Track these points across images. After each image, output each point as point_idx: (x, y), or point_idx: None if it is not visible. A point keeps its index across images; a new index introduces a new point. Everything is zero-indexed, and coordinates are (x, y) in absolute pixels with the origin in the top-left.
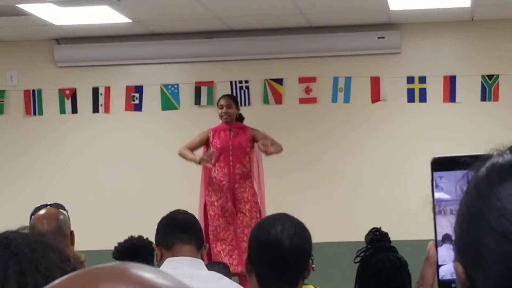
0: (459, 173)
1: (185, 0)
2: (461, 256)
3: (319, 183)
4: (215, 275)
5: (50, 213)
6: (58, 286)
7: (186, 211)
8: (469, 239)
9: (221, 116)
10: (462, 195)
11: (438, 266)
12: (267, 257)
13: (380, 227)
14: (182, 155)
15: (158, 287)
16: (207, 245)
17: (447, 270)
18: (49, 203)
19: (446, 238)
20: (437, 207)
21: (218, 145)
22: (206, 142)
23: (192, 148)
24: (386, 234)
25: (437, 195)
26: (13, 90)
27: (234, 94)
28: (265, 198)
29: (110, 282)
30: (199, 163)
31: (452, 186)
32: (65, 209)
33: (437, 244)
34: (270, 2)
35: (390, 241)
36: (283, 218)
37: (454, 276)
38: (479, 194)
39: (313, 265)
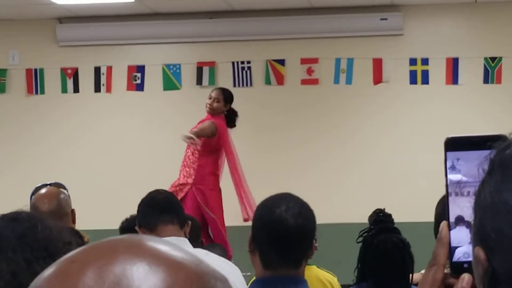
0: (475, 154)
1: None
2: (482, 242)
3: (320, 164)
4: (202, 252)
5: (51, 192)
6: (72, 258)
7: (166, 191)
8: (491, 225)
9: (206, 106)
10: (485, 176)
11: (451, 247)
12: (271, 236)
13: (384, 208)
14: None
15: (172, 259)
16: (190, 222)
17: (461, 251)
18: (48, 182)
19: (460, 220)
20: (454, 189)
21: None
22: None
23: None
24: (390, 215)
25: (455, 177)
26: (15, 69)
27: (236, 74)
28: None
29: (125, 253)
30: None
31: (470, 168)
32: (65, 188)
33: (449, 225)
34: None
35: (393, 223)
36: (287, 198)
37: (467, 257)
38: (503, 178)
39: (316, 245)
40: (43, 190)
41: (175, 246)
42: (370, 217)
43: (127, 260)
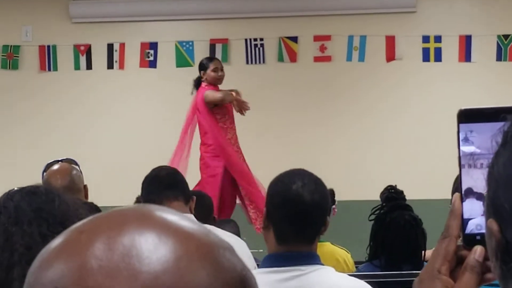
0: (488, 126)
1: None
2: (495, 214)
3: (333, 142)
4: (210, 228)
5: (63, 168)
6: (81, 228)
7: (169, 167)
8: (505, 196)
9: (218, 79)
10: (498, 148)
11: (463, 219)
12: (288, 212)
13: (396, 185)
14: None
15: (182, 229)
16: (195, 197)
17: (474, 223)
18: (60, 159)
19: (473, 192)
20: (467, 161)
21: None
22: None
23: None
24: (402, 192)
25: (468, 148)
26: (27, 46)
27: (249, 51)
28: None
29: (134, 224)
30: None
31: (483, 140)
32: (77, 164)
33: (462, 198)
34: None
35: (405, 200)
36: (302, 174)
37: (479, 229)
38: None
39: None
40: (55, 166)
41: (184, 216)
42: (382, 194)
43: (137, 230)
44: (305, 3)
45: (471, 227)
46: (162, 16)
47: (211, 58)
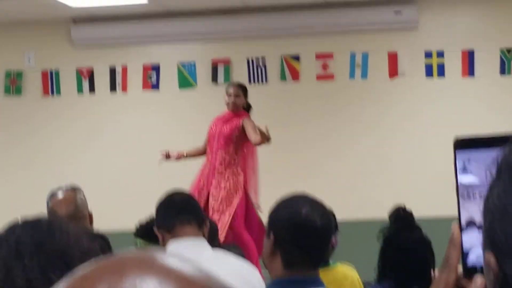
0: (485, 154)
1: None
2: (492, 247)
3: (337, 160)
4: (221, 253)
5: (68, 196)
6: (84, 275)
7: (183, 191)
8: (500, 230)
9: (227, 104)
10: (492, 181)
11: (463, 250)
12: (298, 237)
13: (404, 205)
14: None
15: (183, 274)
16: (208, 221)
17: (474, 254)
18: (64, 184)
19: (472, 222)
20: (465, 191)
21: (211, 132)
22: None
23: (202, 148)
24: (410, 212)
25: (466, 178)
26: (30, 71)
27: (251, 71)
28: (260, 190)
29: (135, 270)
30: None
31: (481, 169)
32: (80, 190)
33: (461, 227)
34: None
35: (414, 220)
36: (307, 198)
37: (480, 260)
38: (511, 180)
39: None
40: (60, 195)
41: (185, 260)
42: (391, 214)
43: (138, 276)
44: (306, 21)
45: (472, 259)
46: (163, 37)
47: (232, 83)
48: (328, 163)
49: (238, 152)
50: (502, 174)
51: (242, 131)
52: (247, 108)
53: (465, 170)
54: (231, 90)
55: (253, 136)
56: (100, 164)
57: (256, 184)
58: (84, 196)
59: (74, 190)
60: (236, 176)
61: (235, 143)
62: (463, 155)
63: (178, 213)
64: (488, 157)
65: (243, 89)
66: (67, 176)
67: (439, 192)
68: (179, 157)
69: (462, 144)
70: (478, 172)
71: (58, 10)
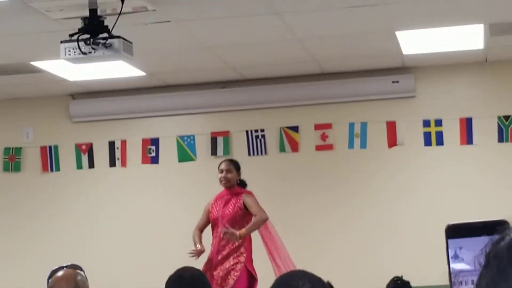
0: (477, 241)
1: (198, 51)
2: None
3: (338, 232)
4: None
5: (68, 274)
6: None
7: (194, 268)
8: None
9: (220, 181)
10: (481, 269)
11: None
12: None
13: (402, 276)
14: (192, 237)
15: None
16: None
17: None
18: (65, 264)
19: None
20: (458, 278)
21: (213, 216)
22: (208, 216)
23: (203, 227)
24: (408, 282)
25: (458, 266)
26: (29, 147)
27: (250, 143)
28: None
29: None
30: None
31: (472, 255)
32: (82, 270)
33: None
34: (283, 51)
35: None
36: (306, 275)
37: None
38: (499, 271)
39: None
40: (60, 273)
41: None
42: (388, 285)
43: None
44: (304, 93)
45: None
46: (162, 111)
47: (224, 159)
48: (329, 234)
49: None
50: (491, 263)
51: (245, 209)
52: (242, 184)
53: (457, 257)
54: (223, 166)
55: (259, 214)
56: (100, 239)
57: (284, 252)
58: (84, 274)
59: (74, 269)
60: (239, 257)
61: (240, 223)
62: (454, 243)
63: None
64: (482, 242)
65: (234, 165)
66: (68, 252)
67: (442, 260)
68: (202, 250)
69: (454, 232)
70: (470, 258)
71: (56, 86)
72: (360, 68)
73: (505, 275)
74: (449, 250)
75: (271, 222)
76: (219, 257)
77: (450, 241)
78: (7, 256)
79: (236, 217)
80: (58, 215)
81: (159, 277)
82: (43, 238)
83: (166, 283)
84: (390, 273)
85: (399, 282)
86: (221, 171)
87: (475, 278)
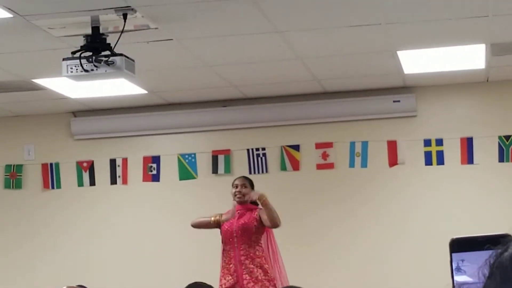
0: (479, 254)
1: (199, 70)
2: None
3: (338, 250)
4: None
5: None
6: None
7: (205, 284)
8: None
9: (234, 195)
10: (485, 280)
11: None
12: None
13: None
14: (194, 224)
15: None
16: None
17: None
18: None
19: None
20: None
21: (225, 228)
22: (218, 225)
23: (204, 222)
24: None
25: (460, 278)
26: (30, 164)
27: (251, 161)
28: (285, 269)
29: None
30: (216, 221)
31: (475, 269)
32: None
33: None
34: (284, 70)
35: None
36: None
37: None
38: (502, 279)
39: None
40: None
41: None
42: None
43: None
44: (305, 112)
45: None
46: (163, 129)
47: (239, 176)
48: (329, 253)
49: (259, 242)
50: (494, 273)
51: (260, 223)
52: (255, 202)
53: (459, 270)
54: (238, 182)
55: (277, 216)
56: (101, 257)
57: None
58: None
59: None
60: (263, 267)
61: (255, 235)
62: (457, 256)
63: None
64: (482, 258)
65: (249, 181)
66: (69, 270)
67: (441, 279)
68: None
69: (458, 246)
70: (472, 271)
71: (57, 104)
72: (361, 87)
73: (509, 283)
74: (453, 263)
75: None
76: (243, 267)
77: (454, 255)
78: (8, 273)
79: (251, 227)
80: (59, 232)
81: None
82: (43, 255)
83: None
84: None
85: None
86: (236, 186)
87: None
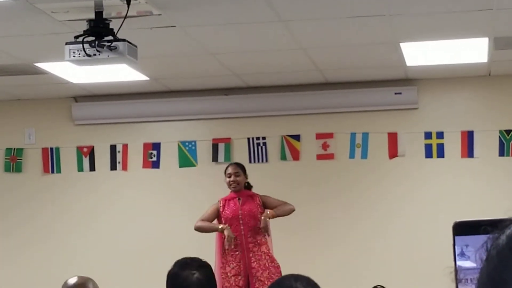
0: (482, 238)
1: (202, 57)
2: None
3: (337, 241)
4: None
5: (81, 280)
6: None
7: (195, 258)
8: None
9: (229, 185)
10: (483, 263)
11: None
12: None
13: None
14: (199, 228)
15: None
16: None
17: None
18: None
19: None
20: (463, 275)
21: (229, 215)
22: (217, 214)
23: (208, 220)
24: None
25: (464, 263)
26: (31, 148)
27: (251, 150)
28: (280, 256)
29: None
30: (222, 231)
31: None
32: (93, 281)
33: None
34: (287, 59)
35: None
36: (294, 274)
37: None
38: (500, 261)
39: None
40: (74, 279)
41: None
42: None
43: None
44: (306, 102)
45: None
46: (164, 116)
47: (229, 164)
48: (327, 243)
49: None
50: (491, 254)
51: (263, 209)
52: (248, 187)
53: (463, 255)
54: (230, 170)
55: (288, 204)
56: (100, 242)
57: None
58: (95, 284)
59: (86, 280)
60: (269, 253)
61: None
62: (461, 241)
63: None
64: (482, 239)
65: (241, 167)
66: (68, 254)
67: (440, 272)
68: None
69: (461, 229)
70: (475, 257)
71: (59, 89)
72: (363, 78)
73: (507, 266)
74: (456, 248)
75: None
76: (250, 254)
77: (457, 238)
78: (7, 257)
79: (257, 213)
80: (58, 217)
81: (158, 280)
82: (43, 239)
83: (169, 279)
84: (386, 281)
85: None
86: (229, 175)
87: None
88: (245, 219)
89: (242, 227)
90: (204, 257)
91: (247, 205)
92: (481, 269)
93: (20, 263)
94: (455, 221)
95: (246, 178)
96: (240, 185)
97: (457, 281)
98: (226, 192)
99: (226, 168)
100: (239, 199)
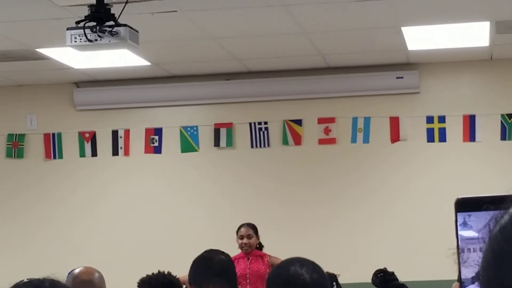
0: (485, 213)
1: (203, 42)
2: None
3: (338, 225)
4: None
5: (87, 269)
6: None
7: (223, 252)
8: (496, 284)
9: (241, 247)
10: (487, 241)
11: None
12: None
13: (385, 268)
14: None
15: None
16: None
17: None
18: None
19: (474, 277)
20: (465, 245)
21: (238, 272)
22: None
23: None
24: (392, 273)
25: (466, 233)
26: (33, 134)
27: (253, 135)
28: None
29: None
30: None
31: (481, 225)
32: (98, 272)
33: (461, 285)
34: (288, 44)
35: (397, 279)
36: (299, 258)
37: None
38: (504, 237)
39: None
40: (77, 276)
41: None
42: (373, 280)
43: None
44: (308, 86)
45: None
46: (166, 101)
47: (242, 225)
48: (329, 227)
49: None
50: (494, 234)
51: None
52: (260, 247)
53: (465, 224)
54: (243, 232)
55: None
56: (102, 228)
57: None
58: (102, 276)
59: (92, 271)
60: None
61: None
62: (461, 214)
63: (214, 276)
64: (489, 217)
65: (253, 229)
66: (70, 239)
67: (441, 255)
68: None
69: (463, 206)
70: (478, 227)
71: (61, 74)
72: (365, 63)
73: (510, 242)
74: (458, 218)
75: None
76: None
77: (459, 215)
78: (8, 242)
79: (264, 274)
80: (60, 202)
81: (160, 265)
82: (44, 224)
83: (194, 262)
84: (387, 265)
85: (381, 275)
86: (241, 237)
87: (483, 246)
88: (252, 278)
89: (248, 287)
90: (205, 242)
91: (255, 265)
92: (485, 246)
93: (22, 249)
94: (457, 198)
95: (258, 239)
96: (252, 248)
97: (460, 250)
98: (228, 178)
99: (238, 229)
100: (248, 258)
